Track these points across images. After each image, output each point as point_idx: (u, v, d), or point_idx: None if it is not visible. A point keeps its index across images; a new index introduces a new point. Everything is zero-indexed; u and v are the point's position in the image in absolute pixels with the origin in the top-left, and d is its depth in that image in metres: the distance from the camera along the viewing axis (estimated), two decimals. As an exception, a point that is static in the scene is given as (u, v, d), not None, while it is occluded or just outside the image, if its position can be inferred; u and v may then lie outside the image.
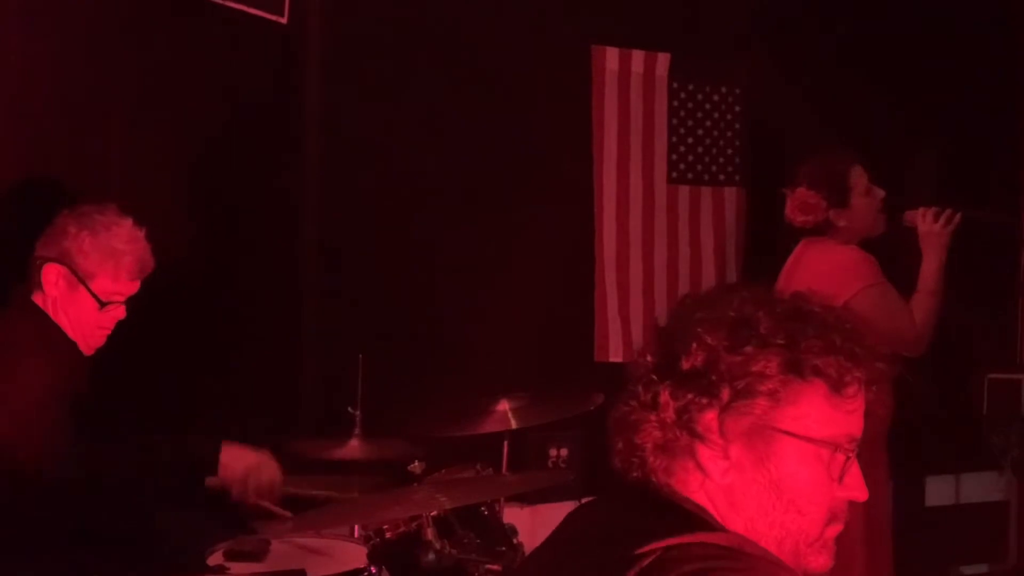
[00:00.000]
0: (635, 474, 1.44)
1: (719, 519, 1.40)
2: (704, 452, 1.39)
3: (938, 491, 5.17)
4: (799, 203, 3.47)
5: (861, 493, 1.44)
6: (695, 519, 1.38)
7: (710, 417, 1.38)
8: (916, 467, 4.92)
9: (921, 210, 3.48)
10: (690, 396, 1.38)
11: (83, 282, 2.64)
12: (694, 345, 1.39)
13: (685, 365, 1.39)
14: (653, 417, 1.41)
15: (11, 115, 2.95)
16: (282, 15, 3.67)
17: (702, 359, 1.38)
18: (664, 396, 1.40)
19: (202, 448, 2.81)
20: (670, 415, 1.39)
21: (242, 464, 2.79)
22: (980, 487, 5.18)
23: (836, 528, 1.44)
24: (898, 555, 3.52)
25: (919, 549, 4.40)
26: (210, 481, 2.76)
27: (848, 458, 1.41)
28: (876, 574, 3.37)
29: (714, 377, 1.37)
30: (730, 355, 1.37)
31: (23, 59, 2.96)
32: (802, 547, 1.41)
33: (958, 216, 3.45)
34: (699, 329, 1.40)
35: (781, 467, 1.39)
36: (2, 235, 2.89)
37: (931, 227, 3.46)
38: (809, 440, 1.39)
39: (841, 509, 1.44)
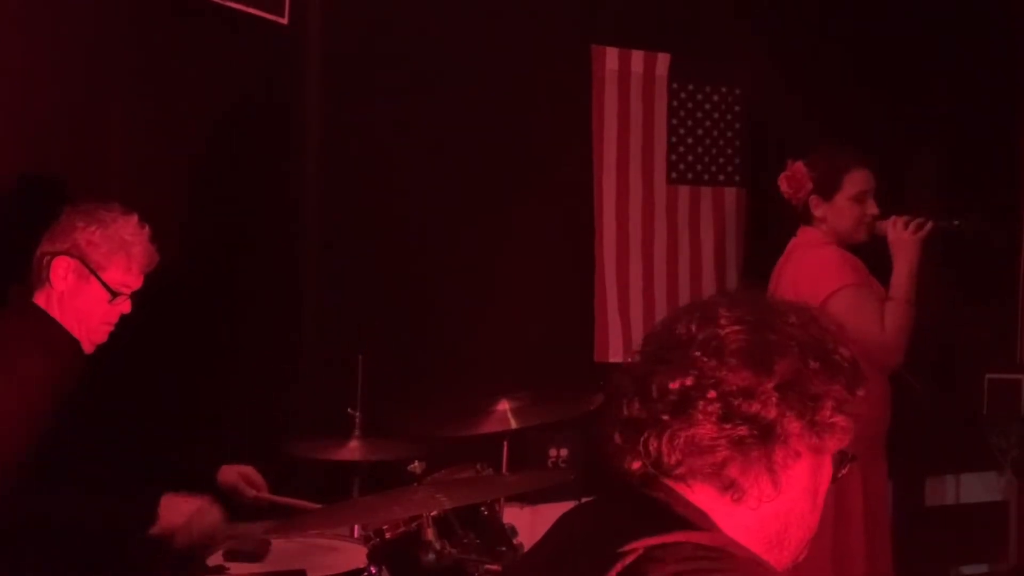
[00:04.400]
0: (674, 477, 1.41)
1: (750, 534, 1.40)
2: (780, 460, 1.38)
3: (938, 491, 5.18)
4: (789, 173, 3.50)
5: None
6: (680, 520, 1.37)
7: (796, 427, 1.38)
8: (916, 467, 4.93)
9: (892, 218, 3.44)
10: (787, 411, 1.37)
11: (95, 273, 2.65)
12: (784, 360, 1.38)
13: (774, 380, 1.37)
14: (745, 429, 1.37)
15: (11, 115, 2.94)
16: (282, 15, 3.67)
17: (792, 371, 1.38)
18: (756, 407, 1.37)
19: (140, 503, 2.69)
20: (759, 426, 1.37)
21: (181, 513, 2.68)
22: (980, 487, 5.19)
23: None
24: (898, 555, 3.51)
25: (919, 549, 4.40)
26: (153, 530, 2.65)
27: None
28: (876, 574, 3.37)
29: (801, 393, 1.38)
30: (813, 375, 1.39)
31: (23, 59, 2.96)
32: (808, 540, 1.46)
33: (929, 224, 3.41)
34: (793, 343, 1.39)
35: (823, 475, 1.44)
36: (2, 235, 2.89)
37: (900, 234, 3.41)
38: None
39: None
